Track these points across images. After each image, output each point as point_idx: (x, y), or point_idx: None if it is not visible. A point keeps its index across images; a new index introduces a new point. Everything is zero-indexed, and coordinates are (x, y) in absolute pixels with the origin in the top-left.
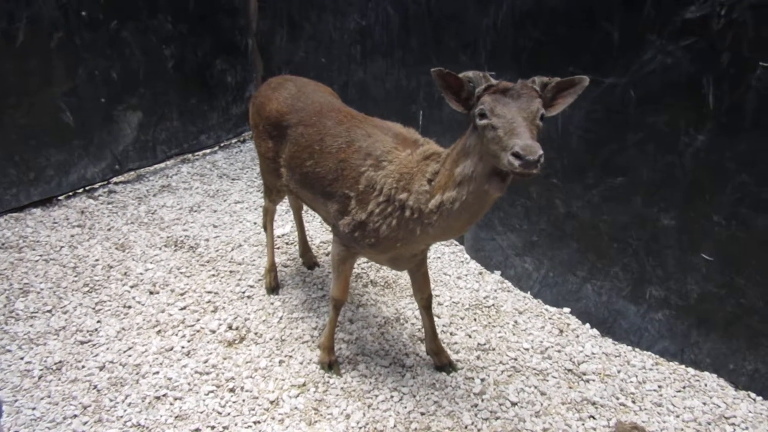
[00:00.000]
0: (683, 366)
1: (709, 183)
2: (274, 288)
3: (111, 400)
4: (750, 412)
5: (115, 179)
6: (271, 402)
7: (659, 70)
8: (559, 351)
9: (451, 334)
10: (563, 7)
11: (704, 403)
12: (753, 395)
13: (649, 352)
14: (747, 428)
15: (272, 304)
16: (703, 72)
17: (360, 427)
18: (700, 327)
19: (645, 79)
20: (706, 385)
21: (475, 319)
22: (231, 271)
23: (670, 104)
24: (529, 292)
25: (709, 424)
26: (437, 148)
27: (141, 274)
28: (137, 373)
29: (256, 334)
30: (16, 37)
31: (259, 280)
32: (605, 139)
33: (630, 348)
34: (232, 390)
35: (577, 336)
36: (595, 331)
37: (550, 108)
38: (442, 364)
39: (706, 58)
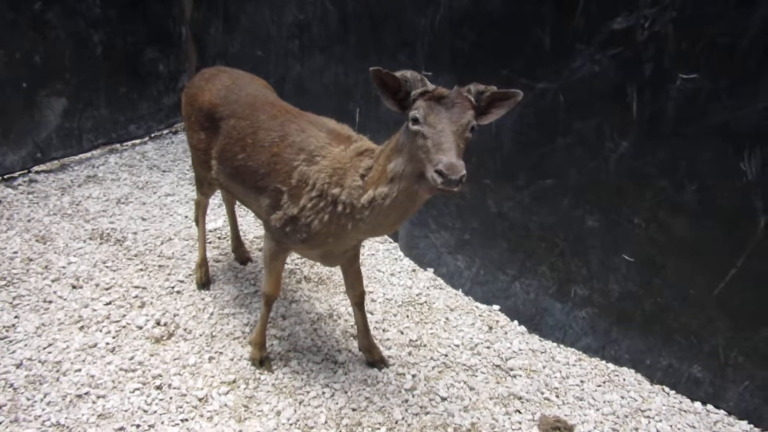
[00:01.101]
0: (604, 362)
1: (631, 187)
2: (205, 283)
3: (28, 399)
4: (664, 405)
5: (36, 168)
6: (200, 399)
7: (587, 77)
8: (488, 347)
9: (383, 330)
10: (498, 11)
11: (622, 397)
12: (667, 389)
13: (573, 349)
14: (661, 420)
15: (203, 299)
16: (627, 81)
17: (291, 424)
18: (620, 324)
19: (574, 85)
20: (624, 379)
21: (407, 316)
22: (160, 266)
23: (596, 110)
24: (460, 290)
25: (626, 416)
26: (371, 145)
27: (63, 267)
28: (58, 371)
29: (185, 330)
30: None
31: (190, 275)
32: (536, 142)
33: (555, 344)
34: (159, 387)
35: (506, 333)
36: (522, 328)
37: (482, 117)
38: (374, 360)
39: (630, 67)
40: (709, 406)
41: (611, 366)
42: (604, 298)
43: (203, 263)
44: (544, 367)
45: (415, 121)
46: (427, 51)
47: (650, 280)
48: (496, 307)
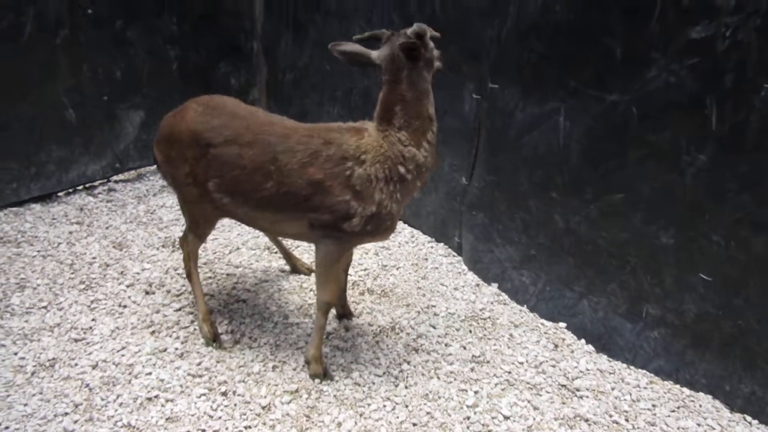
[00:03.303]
0: (678, 386)
1: (710, 202)
2: (215, 337)
3: (102, 399)
4: None
5: (115, 177)
6: (263, 407)
7: (662, 88)
8: (553, 366)
9: (446, 345)
10: (567, 21)
11: (698, 425)
12: (749, 418)
13: (644, 371)
14: None
15: (268, 308)
16: (706, 92)
17: None
18: (697, 347)
19: (648, 96)
20: (700, 406)
21: (470, 331)
22: (228, 274)
23: (672, 123)
24: (525, 306)
25: None
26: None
27: (138, 273)
28: (130, 373)
29: (250, 338)
30: (22, 32)
31: (249, 290)
32: (606, 155)
33: (625, 365)
34: (224, 394)
35: (572, 351)
36: (590, 347)
37: None
38: (345, 313)
39: (709, 78)
40: None
41: (686, 391)
42: (679, 318)
43: (206, 316)
44: (612, 389)
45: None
46: (493, 62)
47: (730, 300)
48: (562, 324)
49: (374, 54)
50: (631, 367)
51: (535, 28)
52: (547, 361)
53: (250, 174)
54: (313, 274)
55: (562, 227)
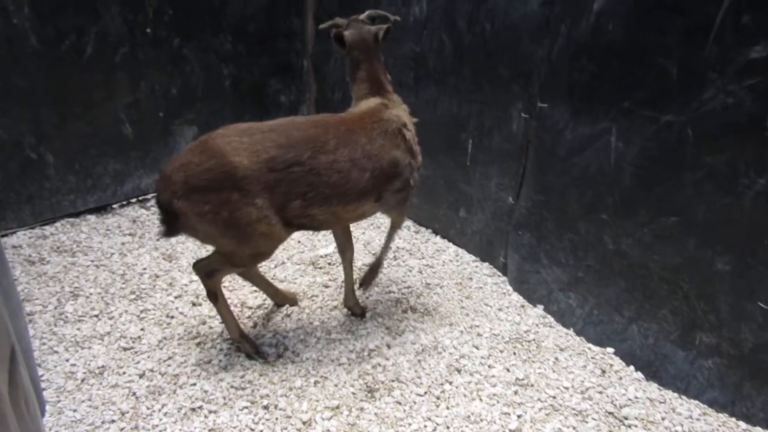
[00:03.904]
0: (734, 419)
1: None
2: (257, 351)
3: (148, 408)
4: None
5: None
6: (304, 422)
7: (719, 109)
8: (600, 392)
9: (489, 366)
10: (620, 41)
11: None
12: None
13: (697, 401)
14: None
15: (311, 323)
16: (766, 113)
17: None
18: (754, 379)
19: (704, 117)
20: None
21: (514, 353)
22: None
23: (729, 145)
24: (572, 329)
25: None
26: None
27: (185, 285)
28: (175, 383)
29: (293, 352)
30: (84, 50)
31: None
32: (660, 176)
33: (676, 395)
34: (266, 407)
35: (620, 378)
36: (639, 374)
37: None
38: (357, 313)
39: None
40: None
41: (742, 425)
42: (735, 348)
43: (243, 334)
44: (663, 419)
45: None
46: (543, 82)
47: None
48: (610, 349)
49: (346, 35)
50: (683, 397)
51: (586, 48)
52: (593, 387)
53: (347, 174)
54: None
55: (611, 249)
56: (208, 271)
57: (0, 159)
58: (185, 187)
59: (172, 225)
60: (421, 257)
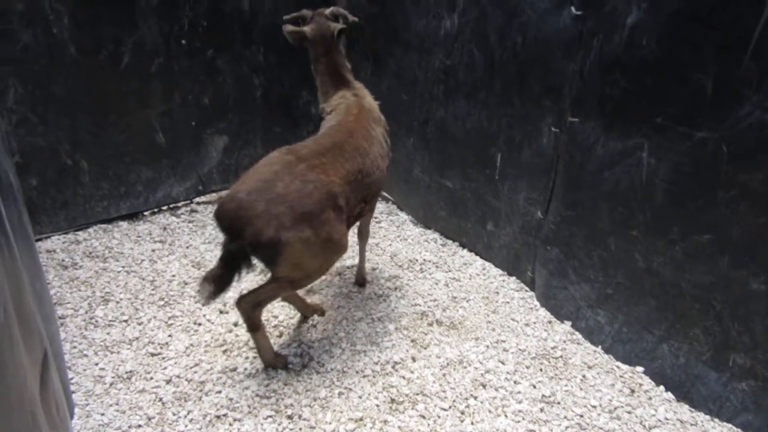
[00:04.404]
0: None
1: None
2: (285, 366)
3: (174, 414)
4: None
5: (197, 199)
6: None
7: (756, 126)
8: (629, 412)
9: (515, 382)
10: (654, 56)
11: None
12: None
13: (730, 425)
14: None
15: (336, 334)
16: None
17: None
18: None
19: (740, 134)
20: None
21: (541, 370)
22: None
23: (766, 162)
24: (600, 347)
25: None
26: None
27: None
28: (201, 390)
29: (318, 363)
30: (120, 60)
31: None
32: (693, 194)
33: (708, 417)
34: (290, 417)
35: (650, 398)
36: (669, 395)
37: None
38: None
39: None
40: None
41: None
42: None
43: (277, 355)
44: None
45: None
46: (574, 96)
47: None
48: (639, 368)
49: (307, 30)
50: (716, 420)
51: (619, 62)
52: (622, 407)
53: (381, 167)
54: (382, 304)
55: (642, 267)
56: (258, 302)
57: (37, 165)
58: (292, 216)
59: (269, 263)
60: (448, 270)
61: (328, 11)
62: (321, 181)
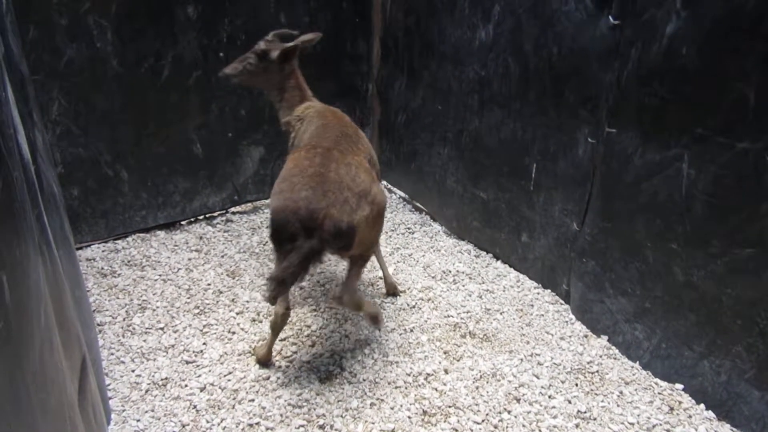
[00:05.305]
0: None
1: None
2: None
3: (208, 422)
4: None
5: (233, 209)
6: None
7: None
8: (667, 430)
9: (549, 397)
10: (693, 65)
11: None
12: None
13: None
14: None
15: (369, 345)
16: None
17: None
18: None
19: None
20: None
21: (576, 384)
22: (332, 308)
23: None
24: (638, 362)
25: None
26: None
27: (247, 302)
28: (234, 398)
29: (350, 373)
30: (161, 73)
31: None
32: (735, 206)
33: None
34: (321, 427)
35: (690, 416)
36: (710, 414)
37: None
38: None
39: None
40: None
41: None
42: None
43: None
44: None
45: None
46: (611, 107)
47: None
48: (679, 386)
49: (273, 53)
50: None
51: (657, 72)
52: (660, 425)
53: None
54: (413, 315)
55: (681, 280)
56: (355, 290)
57: (79, 175)
58: (357, 198)
59: (347, 247)
60: (481, 282)
61: (270, 36)
62: (357, 161)
